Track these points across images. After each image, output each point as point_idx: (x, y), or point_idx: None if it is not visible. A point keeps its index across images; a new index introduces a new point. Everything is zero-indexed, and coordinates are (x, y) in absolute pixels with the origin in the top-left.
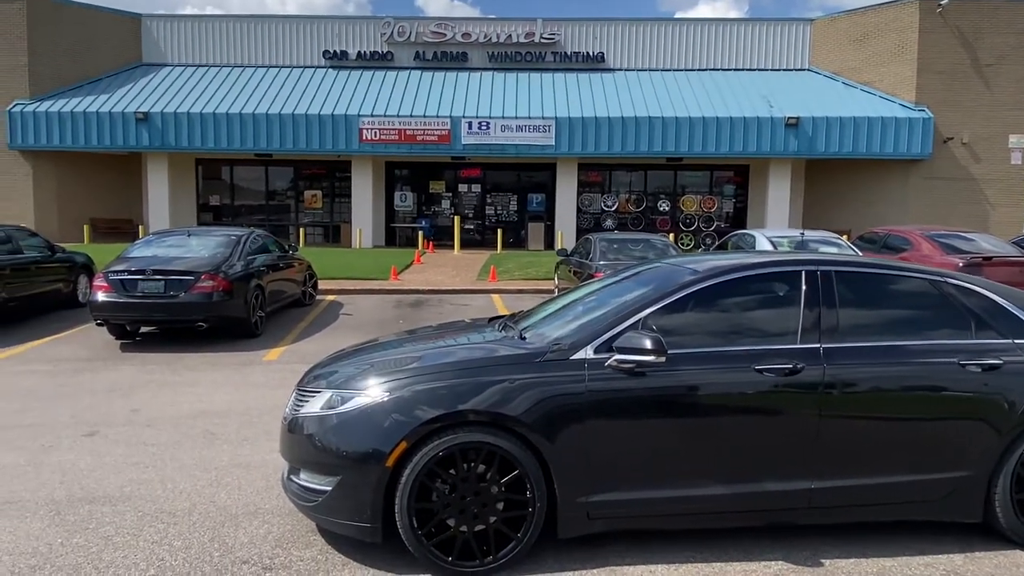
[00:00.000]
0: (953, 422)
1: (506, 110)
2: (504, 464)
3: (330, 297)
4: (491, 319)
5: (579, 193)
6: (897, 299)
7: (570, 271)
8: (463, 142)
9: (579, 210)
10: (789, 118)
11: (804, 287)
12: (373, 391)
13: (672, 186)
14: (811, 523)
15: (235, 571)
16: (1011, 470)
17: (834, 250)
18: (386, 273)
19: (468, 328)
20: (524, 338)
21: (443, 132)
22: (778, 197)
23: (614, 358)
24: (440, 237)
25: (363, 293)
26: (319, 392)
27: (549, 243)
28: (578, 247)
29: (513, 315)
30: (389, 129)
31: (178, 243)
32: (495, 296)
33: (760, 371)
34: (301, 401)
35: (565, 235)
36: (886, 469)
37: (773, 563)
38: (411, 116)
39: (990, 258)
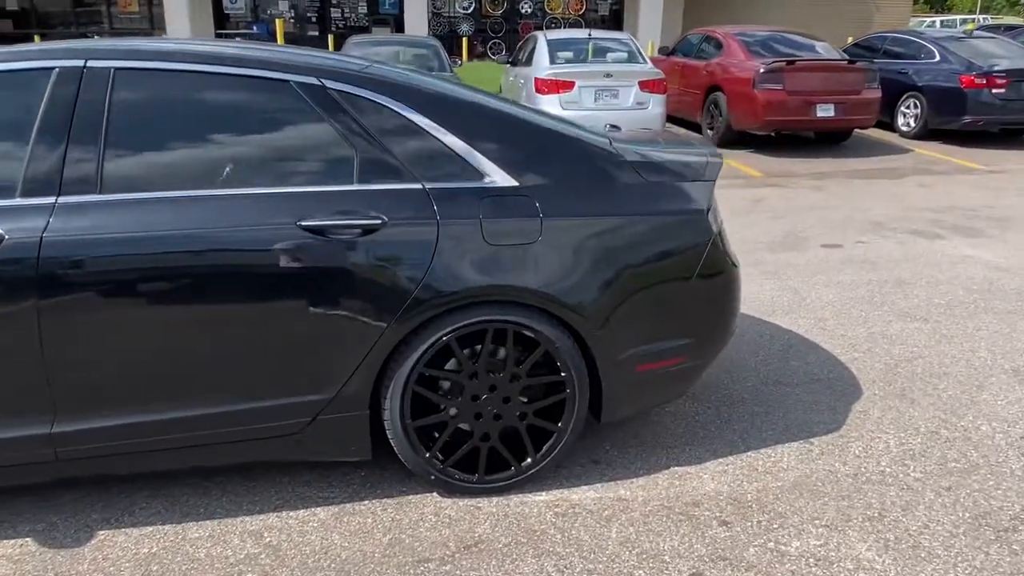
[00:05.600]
0: (305, 319)
1: None
2: None
3: None
4: None
5: None
6: (232, 121)
7: None
8: None
9: (434, 13)
10: None
11: (48, 99)
12: None
13: None
14: (68, 477)
15: None
16: (402, 383)
17: (624, 56)
18: None
19: None
20: None
21: None
22: None
23: None
24: None
25: None
26: None
27: None
28: None
29: None
30: None
31: None
32: None
33: None
34: None
35: None
36: (165, 397)
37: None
38: None
39: (793, 62)
